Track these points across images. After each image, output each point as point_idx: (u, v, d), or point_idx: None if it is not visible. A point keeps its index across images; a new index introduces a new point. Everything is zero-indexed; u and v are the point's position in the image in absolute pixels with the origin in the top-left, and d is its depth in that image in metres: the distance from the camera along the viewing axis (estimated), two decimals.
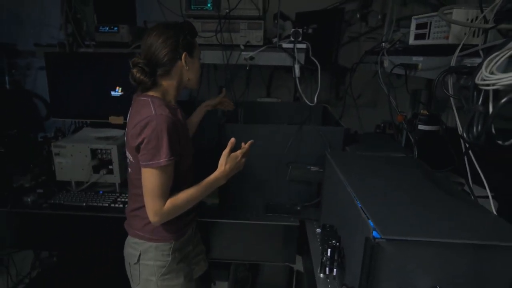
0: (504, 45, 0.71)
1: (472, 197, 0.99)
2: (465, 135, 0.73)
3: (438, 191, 1.03)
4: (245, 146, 1.25)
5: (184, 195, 1.15)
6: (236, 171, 1.24)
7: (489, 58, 0.71)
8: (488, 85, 0.67)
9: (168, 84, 1.19)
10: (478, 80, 0.70)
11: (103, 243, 1.56)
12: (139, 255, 1.22)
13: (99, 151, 1.62)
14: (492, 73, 0.69)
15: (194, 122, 1.51)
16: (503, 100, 0.61)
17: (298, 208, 1.56)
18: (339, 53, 2.49)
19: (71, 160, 1.63)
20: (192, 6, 1.82)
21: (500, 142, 0.69)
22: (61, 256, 2.03)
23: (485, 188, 1.19)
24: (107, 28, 1.82)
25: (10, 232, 1.58)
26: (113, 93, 1.82)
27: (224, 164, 1.19)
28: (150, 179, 1.09)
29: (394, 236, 0.78)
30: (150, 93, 1.17)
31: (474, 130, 0.73)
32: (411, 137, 1.39)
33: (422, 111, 1.46)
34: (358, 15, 2.52)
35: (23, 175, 1.70)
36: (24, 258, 1.96)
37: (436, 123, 1.42)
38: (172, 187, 1.15)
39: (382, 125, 2.07)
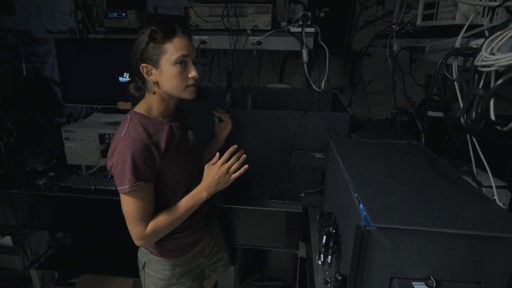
0: (506, 24, 0.66)
1: (476, 186, 0.95)
2: (462, 119, 0.69)
3: (440, 180, 0.99)
4: (225, 157, 1.12)
5: (164, 218, 1.09)
6: (222, 186, 1.13)
7: (490, 39, 0.67)
8: (486, 66, 0.63)
9: (151, 97, 1.10)
10: (477, 62, 0.66)
11: (111, 225, 1.61)
12: (144, 264, 1.25)
13: (107, 136, 1.66)
14: (492, 54, 0.64)
15: (212, 150, 1.42)
16: (499, 81, 0.57)
17: (302, 195, 1.55)
18: (354, 37, 2.42)
19: (80, 144, 1.67)
20: None
21: (498, 127, 0.65)
22: (74, 237, 2.11)
23: (500, 178, 1.15)
24: (116, 14, 1.83)
25: (24, 213, 1.65)
26: (121, 78, 1.84)
27: (207, 175, 1.12)
28: (124, 204, 1.06)
29: (386, 225, 0.75)
30: (137, 107, 1.12)
31: (473, 114, 0.69)
32: (418, 124, 1.34)
33: (432, 97, 1.39)
34: None
35: (36, 158, 1.76)
36: (41, 238, 2.05)
37: (448, 109, 1.36)
38: (164, 201, 1.13)
39: (394, 112, 1.99)
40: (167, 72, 1.04)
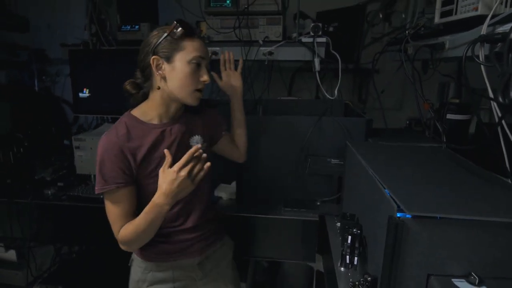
0: None
1: (510, 181, 0.90)
2: (500, 98, 0.66)
3: (470, 175, 0.94)
4: (183, 160, 0.94)
5: (130, 229, 1.00)
6: (185, 193, 0.98)
7: None
8: None
9: (153, 97, 1.05)
10: None
11: None
12: (132, 260, 1.20)
13: None
14: None
15: (237, 117, 1.32)
16: None
17: (318, 203, 1.49)
18: (362, 54, 2.44)
19: (91, 153, 1.64)
20: (212, 4, 1.83)
21: None
22: (80, 252, 2.04)
23: None
24: (129, 27, 1.87)
25: (30, 225, 1.60)
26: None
27: (163, 182, 0.95)
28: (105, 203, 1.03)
29: (421, 213, 0.70)
30: (134, 109, 1.07)
31: (511, 92, 0.66)
32: (438, 126, 1.30)
33: (451, 99, 1.37)
34: (381, 15, 2.45)
35: (45, 168, 1.73)
36: (46, 253, 1.98)
37: (467, 112, 1.33)
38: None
39: (408, 122, 1.97)
40: (180, 69, 1.01)
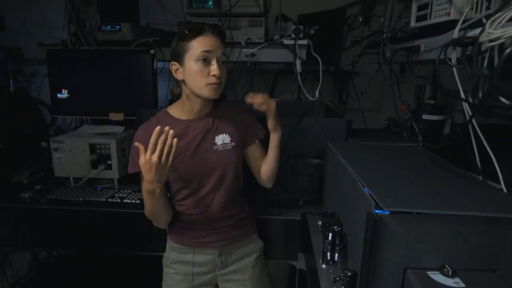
0: (506, 5, 0.68)
1: (481, 177, 0.94)
2: (470, 99, 0.69)
3: (445, 173, 0.98)
4: (150, 147, 0.97)
5: (146, 207, 1.12)
6: (161, 175, 1.00)
7: (493, 18, 0.69)
8: (492, 40, 0.64)
9: (182, 96, 1.17)
10: (483, 38, 0.67)
11: (102, 239, 1.52)
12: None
13: (98, 146, 1.61)
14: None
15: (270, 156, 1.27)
16: (507, 51, 0.58)
17: (300, 202, 1.51)
18: (342, 57, 2.49)
19: (70, 155, 1.61)
20: (194, 5, 1.83)
21: (507, 101, 0.65)
22: (58, 257, 1.99)
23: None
24: (109, 27, 1.84)
25: (6, 230, 1.55)
26: (113, 89, 1.81)
27: (143, 173, 1.01)
28: None
29: (398, 209, 0.73)
30: (170, 106, 1.21)
31: (480, 93, 0.69)
32: (415, 126, 1.35)
33: (426, 101, 1.42)
34: (360, 19, 2.51)
35: (21, 171, 1.68)
36: (22, 259, 1.92)
37: (441, 113, 1.38)
38: (173, 192, 1.20)
39: (386, 123, 2.02)
40: (190, 69, 1.08)
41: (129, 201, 1.50)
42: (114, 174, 1.63)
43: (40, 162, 1.81)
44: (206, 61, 1.07)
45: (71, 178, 1.66)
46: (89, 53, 1.85)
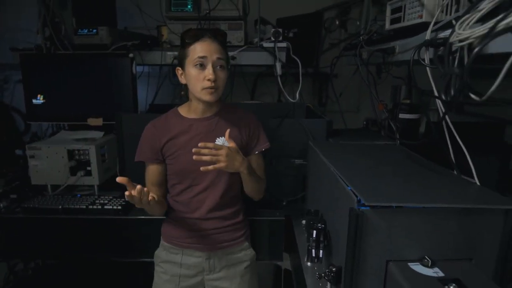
0: (473, 7, 0.72)
1: (455, 172, 0.99)
2: (443, 96, 0.73)
3: (421, 169, 1.03)
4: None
5: None
6: (140, 205, 1.06)
7: (461, 20, 0.72)
8: (462, 40, 0.68)
9: (190, 95, 1.23)
10: (453, 38, 0.71)
11: (83, 248, 1.49)
12: None
13: (77, 151, 1.57)
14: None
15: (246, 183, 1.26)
16: (476, 50, 0.62)
17: (284, 203, 1.53)
18: (321, 59, 2.54)
19: (47, 162, 1.56)
20: (172, 8, 1.83)
21: (477, 97, 0.69)
22: (36, 268, 1.92)
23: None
24: (86, 31, 1.80)
25: None
26: (91, 94, 1.78)
27: None
28: None
29: (378, 203, 0.75)
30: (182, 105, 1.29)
31: (452, 90, 0.73)
32: (392, 125, 1.40)
33: (403, 100, 1.47)
34: (337, 22, 2.58)
35: None
36: None
37: (417, 112, 1.43)
38: (174, 184, 1.26)
39: (365, 122, 2.08)
40: (189, 74, 1.15)
41: (111, 207, 1.46)
42: (94, 180, 1.59)
43: (15, 170, 1.75)
44: (202, 66, 1.13)
45: (49, 186, 1.61)
46: (66, 57, 1.80)
